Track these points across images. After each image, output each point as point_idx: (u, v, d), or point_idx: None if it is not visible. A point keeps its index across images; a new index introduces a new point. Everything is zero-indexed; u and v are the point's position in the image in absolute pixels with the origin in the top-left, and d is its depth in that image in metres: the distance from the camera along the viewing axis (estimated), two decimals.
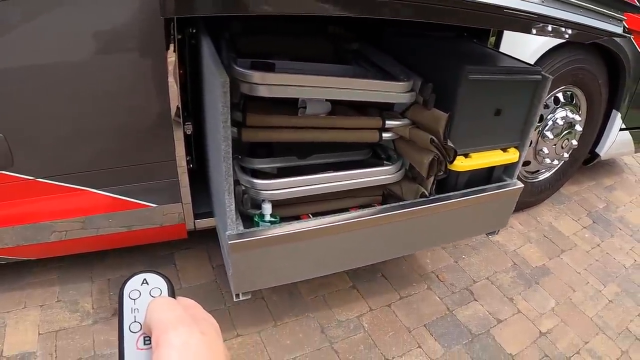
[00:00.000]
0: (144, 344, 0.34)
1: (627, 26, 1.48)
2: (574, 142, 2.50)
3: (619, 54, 2.62)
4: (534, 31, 1.43)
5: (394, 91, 1.29)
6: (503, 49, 1.98)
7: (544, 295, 2.10)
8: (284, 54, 1.76)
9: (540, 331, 1.90)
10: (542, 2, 1.15)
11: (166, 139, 1.40)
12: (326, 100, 1.29)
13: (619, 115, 2.85)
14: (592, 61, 2.63)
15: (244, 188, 1.24)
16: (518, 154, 1.58)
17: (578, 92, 2.54)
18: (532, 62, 2.23)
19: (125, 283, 0.37)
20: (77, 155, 1.37)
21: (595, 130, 2.78)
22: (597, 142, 2.92)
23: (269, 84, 1.14)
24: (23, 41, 1.17)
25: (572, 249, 2.51)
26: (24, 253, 1.52)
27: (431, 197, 1.44)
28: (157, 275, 0.38)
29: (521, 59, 1.64)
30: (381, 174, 1.41)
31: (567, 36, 1.45)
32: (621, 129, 2.93)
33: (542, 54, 2.30)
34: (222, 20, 1.68)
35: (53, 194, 1.39)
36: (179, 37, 1.30)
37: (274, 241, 1.21)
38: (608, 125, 2.87)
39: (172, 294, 0.38)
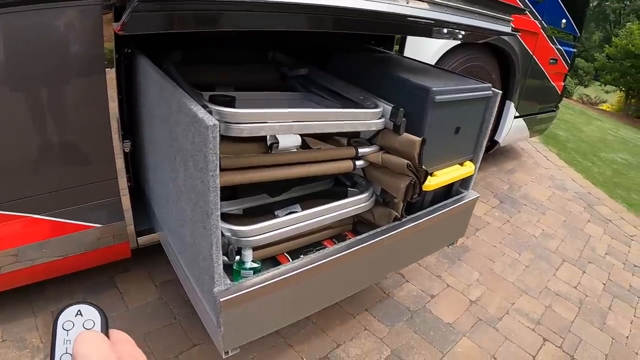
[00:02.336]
0: None
1: (514, 26, 1.64)
2: None
3: (509, 52, 2.98)
4: (435, 35, 1.63)
5: (366, 119, 1.26)
6: (407, 53, 2.16)
7: (467, 269, 2.32)
8: (227, 83, 1.67)
9: (470, 300, 2.09)
10: (407, 3, 1.21)
11: (107, 158, 1.38)
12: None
13: (512, 105, 3.23)
14: (486, 59, 2.95)
15: (224, 237, 1.14)
16: (474, 166, 1.64)
17: None
18: (434, 63, 2.45)
19: (60, 314, 0.37)
20: (16, 180, 1.28)
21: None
22: (495, 130, 3.28)
23: (246, 122, 1.06)
24: None
25: (485, 227, 2.81)
26: None
27: (404, 219, 1.44)
28: (91, 307, 0.38)
29: (424, 60, 1.80)
30: (355, 204, 1.37)
31: (462, 37, 1.64)
32: (515, 117, 3.32)
33: (441, 55, 2.54)
34: (160, 48, 1.56)
35: None
36: (116, 56, 1.28)
37: (265, 291, 1.12)
38: (503, 115, 3.25)
39: (106, 326, 0.38)
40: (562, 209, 3.35)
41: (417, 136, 1.30)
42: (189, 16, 1.02)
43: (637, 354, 1.99)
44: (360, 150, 1.32)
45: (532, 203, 3.32)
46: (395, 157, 1.31)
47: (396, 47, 2.13)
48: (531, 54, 3.18)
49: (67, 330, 0.37)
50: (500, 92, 1.55)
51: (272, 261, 1.40)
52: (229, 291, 1.07)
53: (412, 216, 1.47)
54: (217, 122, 0.88)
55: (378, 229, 1.38)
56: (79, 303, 0.39)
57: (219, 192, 0.95)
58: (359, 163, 1.34)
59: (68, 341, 0.36)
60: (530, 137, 3.91)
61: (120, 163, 1.42)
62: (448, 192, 1.66)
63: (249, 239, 1.15)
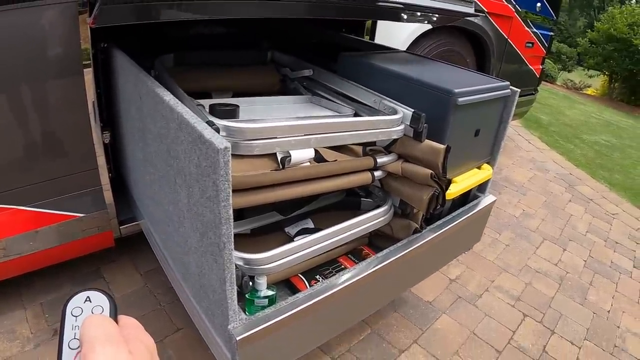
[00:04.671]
0: None
1: (486, 10, 1.78)
2: None
3: (483, 35, 2.98)
4: (404, 17, 1.71)
5: (386, 127, 1.14)
6: (377, 39, 2.14)
7: None
8: (224, 88, 1.54)
9: (450, 278, 2.10)
10: None
11: (88, 149, 1.40)
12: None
13: None
14: (459, 44, 2.95)
15: (237, 269, 1.01)
16: (492, 169, 1.54)
17: None
18: (405, 49, 2.47)
19: (69, 300, 0.37)
20: (1, 173, 1.30)
21: None
22: None
23: (258, 139, 0.94)
24: None
25: None
26: None
27: (424, 231, 1.33)
28: (100, 293, 0.39)
29: (395, 46, 1.81)
30: (374, 219, 1.26)
31: (427, 20, 1.76)
32: None
33: (413, 40, 2.53)
34: (151, 52, 1.45)
35: None
36: (93, 51, 1.28)
37: (283, 324, 1.01)
38: None
39: (115, 312, 0.38)
40: (543, 189, 3.36)
41: (438, 142, 1.19)
42: (157, 7, 1.06)
43: (618, 327, 2.00)
44: (379, 160, 1.21)
45: (513, 185, 3.33)
46: (416, 166, 1.20)
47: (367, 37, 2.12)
48: (506, 37, 3.19)
49: (76, 317, 0.37)
50: (519, 90, 1.45)
51: (284, 283, 1.28)
52: (245, 328, 0.95)
53: (431, 227, 1.37)
54: (229, 145, 0.75)
55: (398, 244, 1.28)
56: (87, 290, 0.39)
57: (232, 223, 0.83)
58: (377, 174, 1.23)
59: (76, 327, 0.36)
60: (511, 120, 3.94)
61: (100, 153, 1.42)
62: (466, 196, 1.56)
63: (263, 267, 1.03)
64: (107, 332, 0.35)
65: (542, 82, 9.54)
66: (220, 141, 0.75)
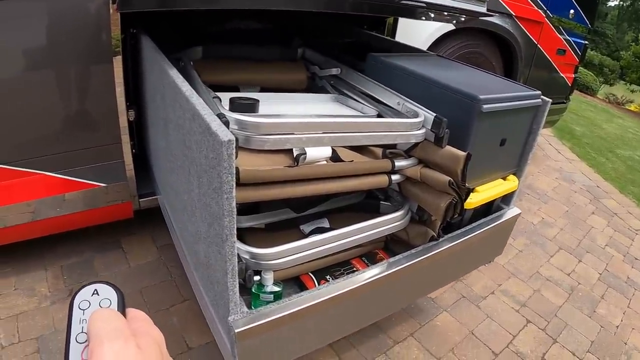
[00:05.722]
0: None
1: (513, 12, 1.79)
2: None
3: (509, 39, 2.93)
4: (422, 17, 1.78)
5: (405, 130, 1.12)
6: (398, 38, 2.14)
7: None
8: (252, 83, 1.55)
9: None
10: None
11: (113, 124, 1.51)
12: None
13: None
14: (485, 46, 2.92)
15: (243, 261, 1.02)
16: (517, 181, 1.49)
17: None
18: (426, 48, 2.46)
19: (76, 294, 0.37)
20: (32, 141, 1.44)
21: None
22: None
23: (270, 134, 0.94)
24: None
25: None
26: None
27: (441, 239, 1.30)
28: (108, 286, 0.38)
29: (416, 45, 1.83)
30: (389, 223, 1.24)
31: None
32: None
33: (435, 39, 2.51)
34: (177, 42, 1.49)
35: (8, 179, 1.44)
36: (122, 36, 1.39)
37: (286, 320, 1.00)
38: None
39: (123, 305, 0.37)
40: (567, 199, 3.24)
41: (460, 149, 1.16)
42: None
43: (626, 343, 1.91)
44: (397, 163, 1.18)
45: (535, 192, 3.23)
46: (435, 172, 1.17)
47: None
48: (535, 43, 3.13)
49: (83, 310, 0.36)
50: (551, 100, 1.40)
51: (294, 281, 1.28)
52: (245, 321, 0.95)
53: (449, 235, 1.33)
54: (233, 138, 0.75)
55: (412, 250, 1.25)
56: (95, 282, 0.38)
57: (235, 216, 0.83)
58: (394, 177, 1.20)
59: (84, 320, 0.35)
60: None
61: (124, 130, 1.53)
62: (489, 207, 1.51)
63: (270, 262, 1.03)
64: (115, 326, 0.34)
65: (582, 94, 9.15)
66: (225, 134, 0.75)
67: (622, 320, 2.05)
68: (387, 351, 1.59)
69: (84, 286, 0.38)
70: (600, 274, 2.39)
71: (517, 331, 1.82)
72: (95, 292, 0.38)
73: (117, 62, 1.42)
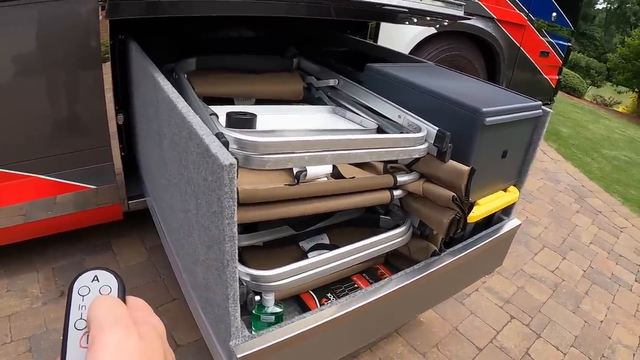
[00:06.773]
0: (87, 342, 0.32)
1: (495, 17, 1.80)
2: None
3: (491, 41, 2.97)
4: (405, 22, 1.81)
5: (408, 145, 1.09)
6: (380, 42, 2.17)
7: None
8: (246, 95, 1.52)
9: None
10: None
11: (102, 128, 1.54)
12: None
13: None
14: (467, 49, 2.94)
15: (244, 284, 0.98)
16: (518, 192, 1.47)
17: None
18: (408, 52, 2.50)
19: (76, 279, 0.36)
20: (24, 144, 1.46)
21: None
22: None
23: (271, 153, 0.90)
24: None
25: None
26: None
27: (443, 254, 1.27)
28: (108, 273, 0.37)
29: (398, 49, 1.87)
30: (391, 239, 1.20)
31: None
32: None
33: (417, 43, 2.54)
34: (168, 49, 1.47)
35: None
36: (111, 42, 1.43)
37: (289, 343, 0.97)
38: None
39: (123, 292, 0.36)
40: (551, 199, 3.26)
41: (462, 162, 1.13)
42: (160, 3, 1.18)
43: (609, 338, 1.94)
44: (399, 178, 1.16)
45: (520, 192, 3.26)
46: (438, 187, 1.14)
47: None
48: (518, 45, 3.17)
49: (83, 296, 0.35)
50: (551, 111, 1.38)
51: (294, 299, 1.24)
52: (246, 346, 0.92)
53: (451, 250, 1.30)
54: (234, 161, 0.72)
55: (415, 266, 1.22)
56: (95, 269, 0.37)
57: (236, 240, 0.79)
58: (397, 193, 1.18)
59: (83, 307, 0.34)
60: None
61: (113, 133, 1.56)
62: (489, 219, 1.49)
63: (270, 284, 1.00)
64: (117, 314, 0.33)
65: (568, 96, 9.23)
66: (225, 157, 0.72)
67: (606, 316, 2.08)
68: (371, 346, 1.59)
69: (83, 272, 0.36)
70: (585, 270, 2.43)
71: (501, 327, 1.84)
72: (95, 278, 0.36)
73: (107, 68, 1.45)
